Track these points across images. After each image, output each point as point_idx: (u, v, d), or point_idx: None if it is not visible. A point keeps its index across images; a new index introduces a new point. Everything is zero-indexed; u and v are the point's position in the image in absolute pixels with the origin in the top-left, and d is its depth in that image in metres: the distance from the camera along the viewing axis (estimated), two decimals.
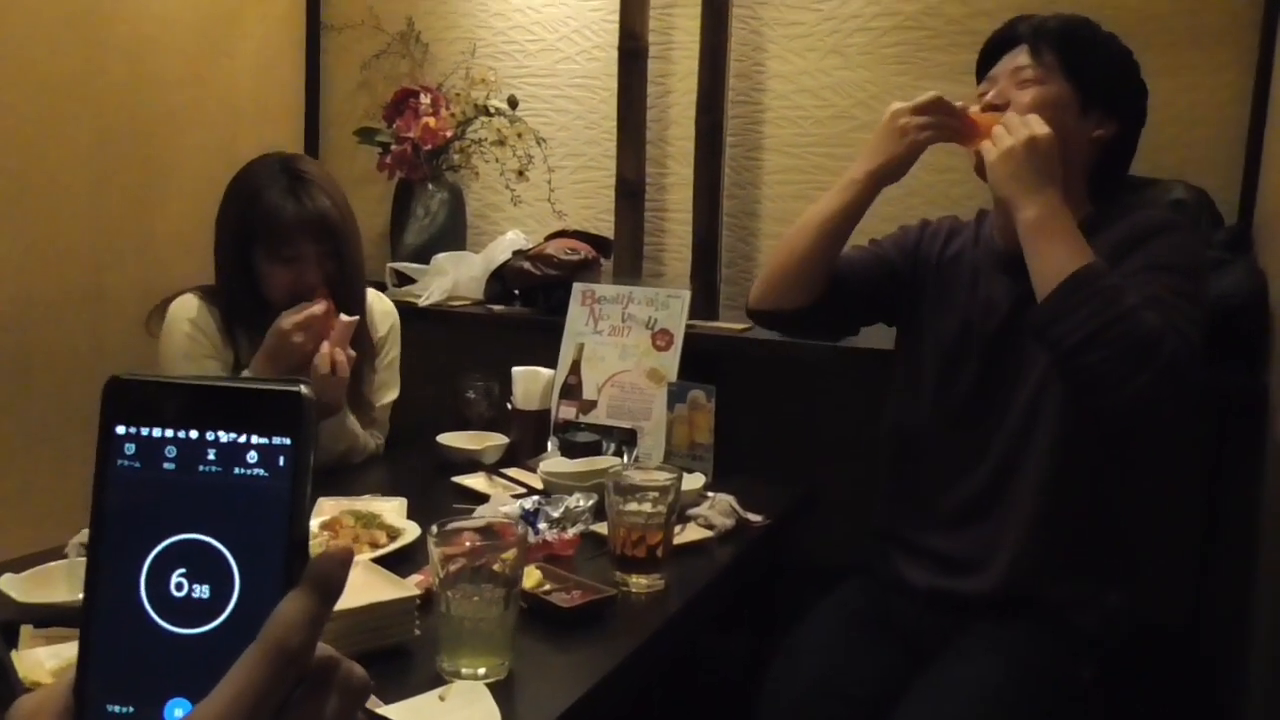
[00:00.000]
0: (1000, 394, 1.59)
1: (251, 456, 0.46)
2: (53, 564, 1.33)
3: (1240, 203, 2.04)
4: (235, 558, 0.46)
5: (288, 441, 0.46)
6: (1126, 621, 1.57)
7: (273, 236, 1.83)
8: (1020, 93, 1.56)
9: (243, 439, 0.46)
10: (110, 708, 0.45)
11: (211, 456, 0.46)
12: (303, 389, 0.46)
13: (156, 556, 0.46)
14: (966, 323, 1.64)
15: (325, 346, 1.79)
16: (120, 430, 0.46)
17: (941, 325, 1.68)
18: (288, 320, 1.77)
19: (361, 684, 0.47)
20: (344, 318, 1.82)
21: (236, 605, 0.45)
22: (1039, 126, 1.48)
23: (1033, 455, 1.55)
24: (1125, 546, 1.59)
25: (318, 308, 1.78)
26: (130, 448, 0.46)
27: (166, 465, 0.46)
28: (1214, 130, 2.07)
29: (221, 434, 0.46)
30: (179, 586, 0.46)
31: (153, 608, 0.45)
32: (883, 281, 1.75)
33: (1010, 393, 1.58)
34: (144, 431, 0.46)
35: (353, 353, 1.84)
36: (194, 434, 0.46)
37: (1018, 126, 1.49)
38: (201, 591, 0.45)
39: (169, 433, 0.46)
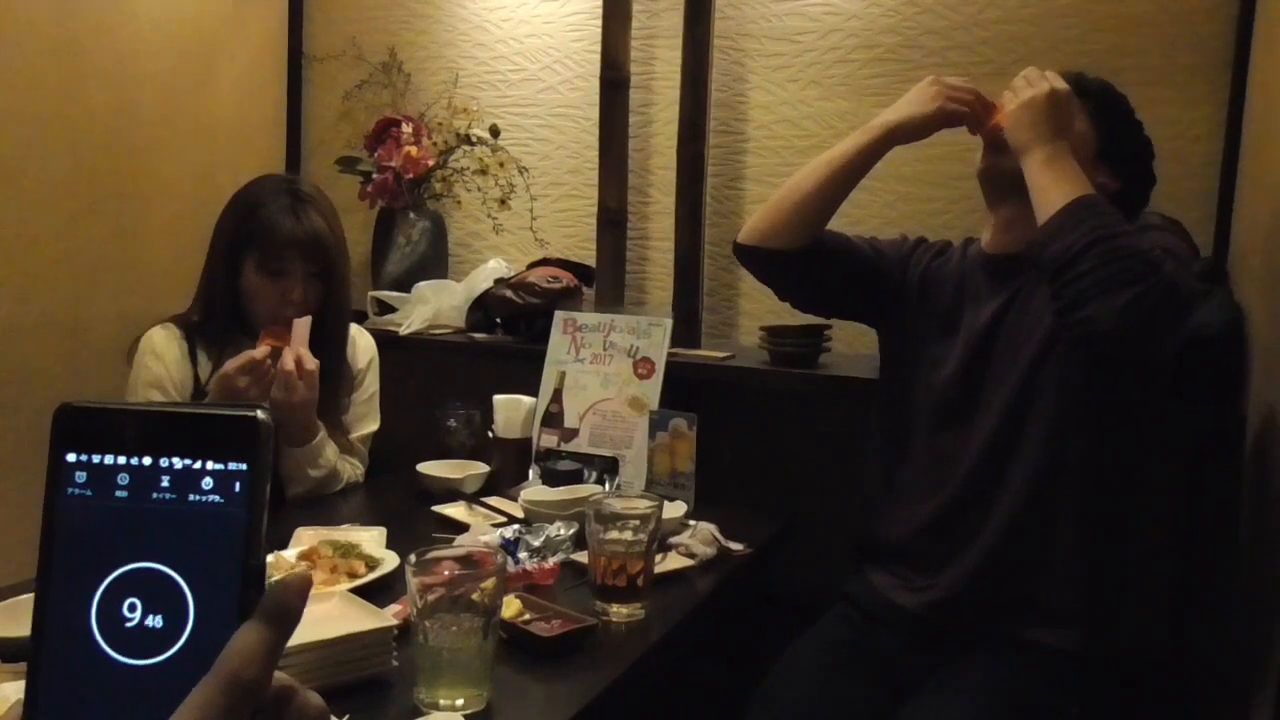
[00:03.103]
0: (983, 396, 1.61)
1: (206, 483, 0.45)
2: (24, 597, 1.31)
3: (1215, 236, 2.07)
4: (190, 586, 0.45)
5: (244, 467, 0.45)
6: (1113, 643, 1.56)
7: (265, 248, 1.86)
8: None
9: (197, 465, 0.45)
10: None
11: (165, 483, 0.45)
12: (259, 413, 0.46)
13: (108, 586, 0.45)
14: (951, 326, 1.67)
15: (287, 352, 1.79)
16: (71, 458, 0.46)
17: (925, 329, 1.70)
18: (230, 365, 1.77)
19: (319, 713, 0.46)
20: (296, 321, 1.82)
21: (191, 635, 0.44)
22: (1058, 81, 1.54)
23: (1015, 454, 1.56)
24: (1107, 560, 1.59)
25: (258, 352, 1.78)
26: (81, 476, 0.46)
27: (119, 493, 0.45)
28: (1188, 165, 2.09)
29: (175, 460, 0.45)
30: (132, 617, 0.45)
31: (104, 639, 0.44)
32: (871, 267, 1.77)
33: (994, 393, 1.59)
34: (95, 459, 0.46)
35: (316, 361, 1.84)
36: (147, 461, 0.45)
37: (1039, 79, 1.54)
38: (155, 621, 0.44)
39: (121, 460, 0.45)
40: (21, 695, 1.07)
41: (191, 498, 0.45)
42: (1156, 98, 2.08)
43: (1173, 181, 2.09)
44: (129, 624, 0.45)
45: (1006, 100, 1.57)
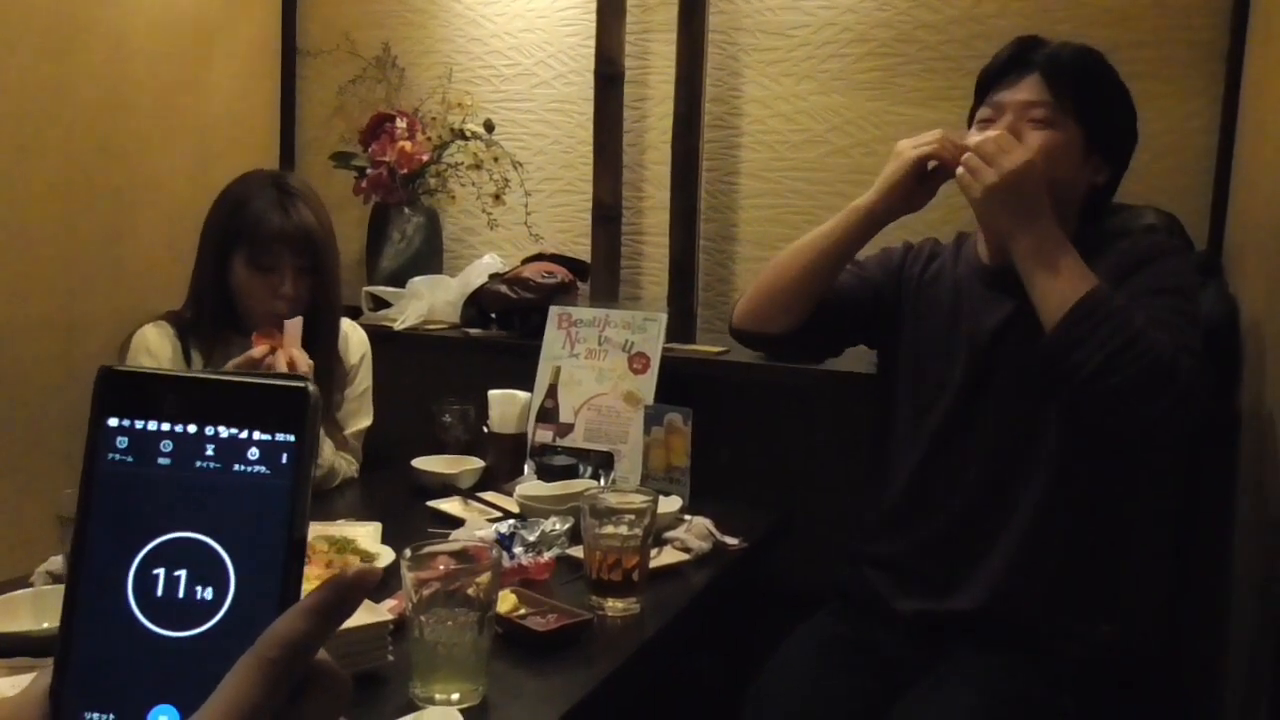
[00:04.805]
0: (985, 412, 1.58)
1: (253, 453, 0.44)
2: (18, 593, 1.31)
3: (1210, 229, 2.07)
4: (231, 557, 0.44)
5: (291, 439, 0.44)
6: (1113, 652, 1.55)
7: (255, 244, 1.86)
8: (1031, 132, 1.53)
9: (244, 434, 0.44)
10: (89, 715, 0.43)
11: (210, 452, 0.44)
12: (309, 385, 0.45)
13: (146, 555, 0.44)
14: (949, 341, 1.64)
15: (280, 354, 1.78)
16: (113, 423, 0.45)
17: (923, 345, 1.67)
18: (230, 366, 1.78)
19: (344, 690, 0.46)
20: (288, 322, 1.81)
21: (231, 607, 0.44)
22: (1018, 155, 1.45)
23: (1019, 474, 1.55)
24: (1108, 573, 1.58)
25: (257, 351, 1.77)
26: (123, 441, 0.45)
27: (161, 460, 0.44)
28: (1183, 158, 2.09)
29: (222, 429, 0.45)
30: (170, 587, 0.44)
31: (140, 609, 0.44)
32: (868, 304, 1.74)
33: (995, 410, 1.58)
34: (139, 425, 0.45)
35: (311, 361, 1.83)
36: (192, 428, 0.45)
37: (996, 157, 1.45)
38: (194, 593, 0.44)
39: (165, 426, 0.45)
40: (17, 689, 1.07)
41: (236, 468, 0.44)
42: (1151, 91, 2.08)
43: (1168, 175, 2.10)
44: (167, 595, 0.44)
45: (965, 183, 1.49)
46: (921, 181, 1.59)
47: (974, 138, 1.54)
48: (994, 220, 1.49)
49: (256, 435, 0.45)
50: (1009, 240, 1.48)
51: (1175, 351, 1.36)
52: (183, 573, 0.44)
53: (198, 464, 0.45)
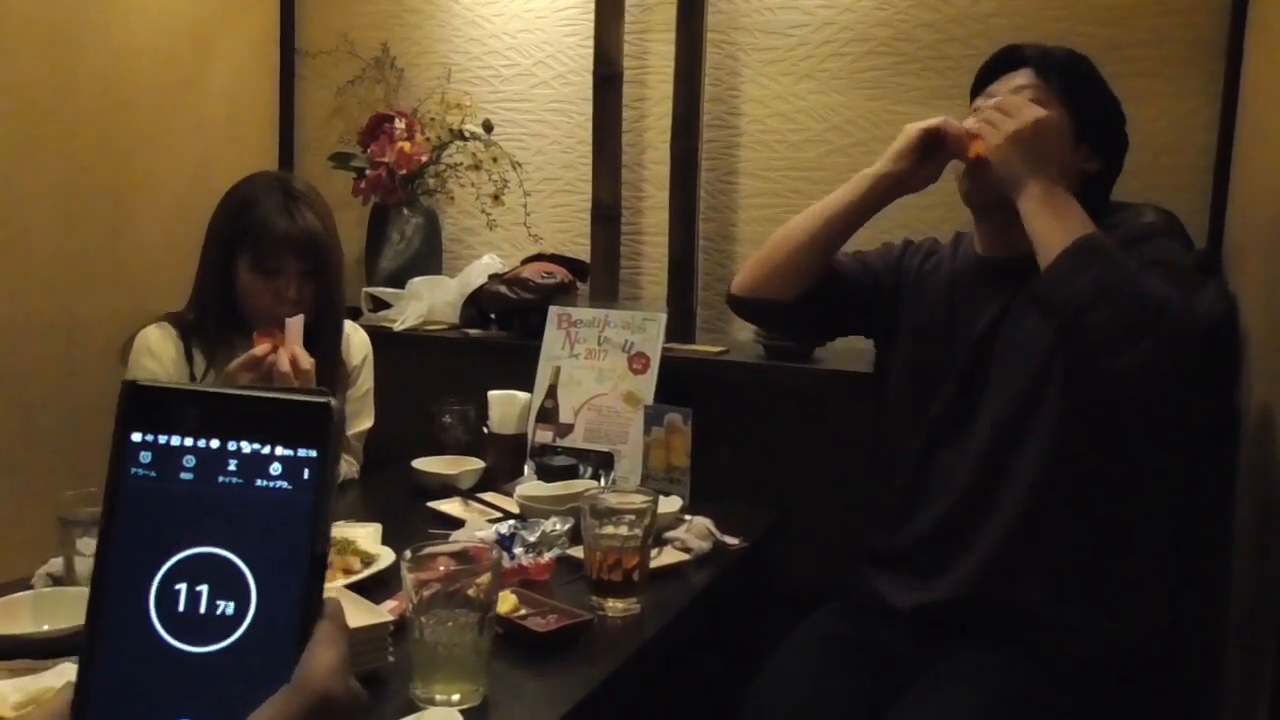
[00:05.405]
0: (981, 405, 1.59)
1: (275, 468, 0.44)
2: (17, 595, 1.30)
3: (1209, 227, 2.07)
4: (253, 573, 0.44)
5: (314, 454, 0.44)
6: (1113, 650, 1.55)
7: (259, 247, 1.85)
8: None
9: (266, 450, 0.44)
10: None
11: (233, 467, 0.44)
12: (332, 400, 0.45)
13: (169, 570, 0.44)
14: (946, 335, 1.65)
15: (283, 353, 1.78)
16: (136, 438, 0.45)
17: (920, 339, 1.69)
18: (234, 365, 1.77)
19: (361, 702, 0.46)
20: (289, 320, 1.80)
21: (253, 622, 0.44)
22: (1039, 110, 1.51)
23: (1016, 463, 1.55)
24: (1109, 569, 1.58)
25: (260, 350, 1.76)
26: (146, 456, 0.45)
27: (184, 475, 0.44)
28: (1182, 156, 2.10)
29: (244, 444, 0.44)
30: (192, 602, 0.44)
31: (162, 624, 0.44)
32: (868, 290, 1.76)
33: (991, 404, 1.58)
34: (161, 439, 0.45)
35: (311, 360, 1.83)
36: (215, 443, 0.45)
37: (1019, 108, 1.51)
38: (215, 608, 0.44)
39: (189, 441, 0.45)
40: (19, 695, 1.06)
41: (259, 483, 0.44)
42: (1150, 89, 2.09)
43: (1167, 173, 2.10)
44: (189, 610, 0.44)
45: (985, 132, 1.53)
46: (926, 156, 1.62)
47: (969, 121, 1.59)
48: (1010, 166, 1.50)
49: (279, 450, 0.45)
50: (1019, 188, 1.49)
51: (1167, 295, 1.37)
52: (205, 588, 0.44)
53: (220, 479, 0.44)
